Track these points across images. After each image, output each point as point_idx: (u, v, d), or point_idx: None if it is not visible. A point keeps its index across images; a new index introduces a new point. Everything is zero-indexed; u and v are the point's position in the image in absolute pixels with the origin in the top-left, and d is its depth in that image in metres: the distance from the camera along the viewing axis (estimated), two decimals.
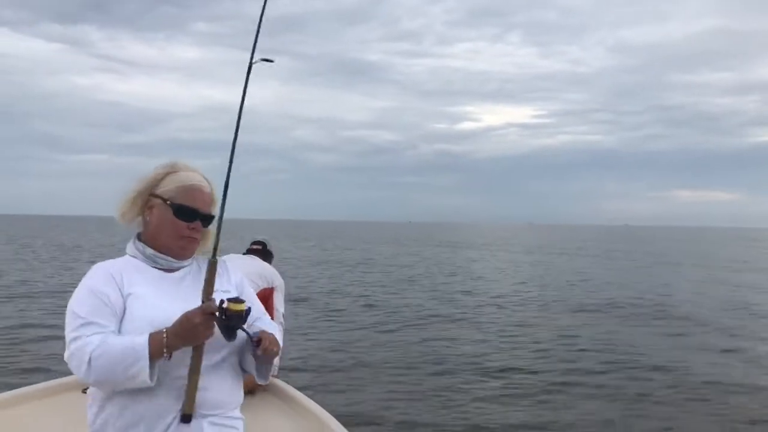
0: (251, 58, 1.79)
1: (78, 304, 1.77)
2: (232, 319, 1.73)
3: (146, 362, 1.66)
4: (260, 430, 3.11)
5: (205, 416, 1.81)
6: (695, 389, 7.46)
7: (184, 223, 1.90)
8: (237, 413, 1.95)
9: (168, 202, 1.89)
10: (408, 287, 18.36)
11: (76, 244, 39.78)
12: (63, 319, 1.79)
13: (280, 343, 1.97)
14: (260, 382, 1.99)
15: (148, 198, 1.92)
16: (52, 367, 7.50)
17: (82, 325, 1.72)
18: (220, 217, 1.95)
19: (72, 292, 1.84)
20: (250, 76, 1.98)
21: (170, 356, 1.72)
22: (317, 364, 8.27)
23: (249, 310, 1.77)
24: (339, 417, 3.16)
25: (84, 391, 3.78)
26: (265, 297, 4.35)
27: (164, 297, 1.84)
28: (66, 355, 1.73)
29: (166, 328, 1.70)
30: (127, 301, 1.80)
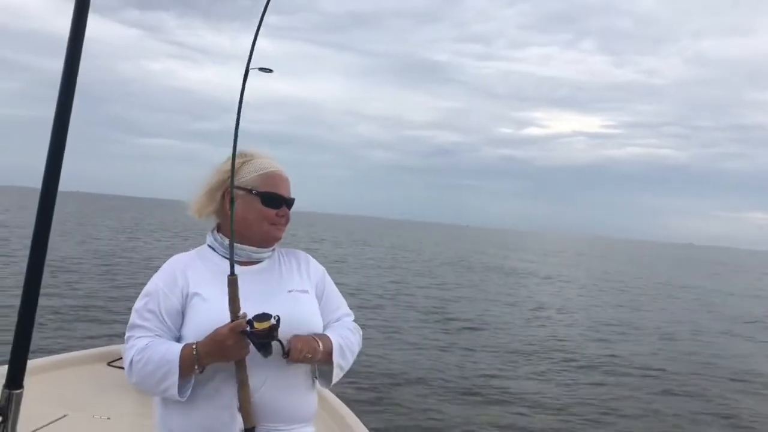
0: (248, 64, 1.71)
1: (139, 301, 1.77)
2: (260, 336, 1.64)
3: (176, 378, 1.63)
4: None
5: (270, 429, 1.73)
6: None
7: (272, 211, 1.85)
8: (308, 427, 1.85)
9: (253, 192, 1.84)
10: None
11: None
12: None
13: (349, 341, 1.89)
14: (323, 386, 1.92)
15: (226, 190, 1.84)
16: None
17: (134, 325, 1.74)
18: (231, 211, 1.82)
19: None
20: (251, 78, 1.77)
21: (202, 371, 1.67)
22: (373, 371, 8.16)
23: (277, 323, 1.65)
24: None
25: (109, 364, 3.98)
26: None
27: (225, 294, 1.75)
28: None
29: (197, 343, 1.65)
30: (192, 301, 1.75)
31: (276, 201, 1.86)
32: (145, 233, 33.78)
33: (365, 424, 3.20)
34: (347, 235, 58.19)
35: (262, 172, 1.87)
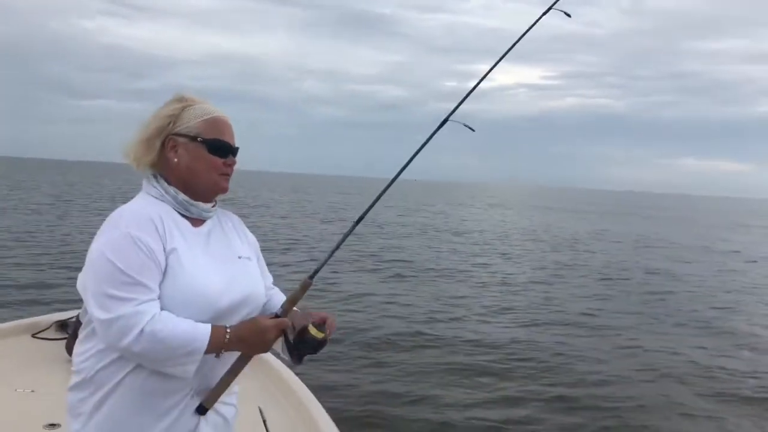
0: None
1: (121, 255, 1.51)
2: (308, 343, 1.62)
3: (199, 358, 1.53)
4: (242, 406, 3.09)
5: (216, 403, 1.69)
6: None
7: (220, 160, 1.71)
8: (234, 389, 1.82)
9: (198, 139, 1.68)
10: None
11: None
12: None
13: None
14: (295, 364, 1.88)
15: (167, 138, 1.68)
16: None
17: (131, 284, 1.49)
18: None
19: None
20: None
21: (219, 355, 1.59)
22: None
23: (325, 341, 1.64)
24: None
25: (34, 335, 3.84)
26: None
27: (203, 257, 1.64)
28: (104, 315, 1.48)
29: (230, 328, 1.57)
30: (169, 258, 1.57)
31: (223, 149, 1.72)
32: (79, 197, 32.50)
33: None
34: (291, 192, 57.53)
35: (206, 117, 1.71)
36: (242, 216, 1.94)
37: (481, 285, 12.20)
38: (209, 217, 1.74)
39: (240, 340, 1.58)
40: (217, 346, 1.55)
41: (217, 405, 1.67)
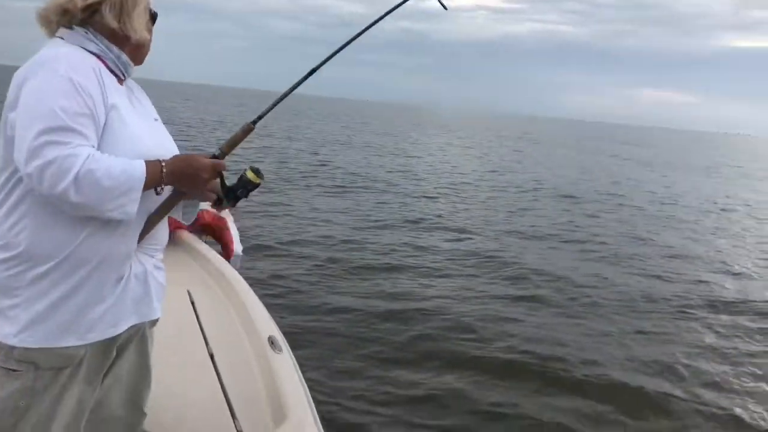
0: None
1: (60, 99, 1.40)
2: (244, 186, 1.70)
3: (138, 195, 1.47)
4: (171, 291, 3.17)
5: (152, 256, 1.72)
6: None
7: (149, 22, 1.70)
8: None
9: (149, 8, 1.68)
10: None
11: None
12: None
13: None
14: (185, 223, 1.94)
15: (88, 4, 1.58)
16: None
17: (68, 130, 1.39)
18: None
19: None
20: None
21: (159, 193, 1.57)
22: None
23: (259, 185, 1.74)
24: None
25: None
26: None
27: (135, 115, 1.62)
28: (37, 162, 1.36)
29: (165, 163, 1.53)
30: (110, 114, 1.51)
31: (154, 18, 1.74)
32: None
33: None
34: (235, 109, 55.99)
35: None
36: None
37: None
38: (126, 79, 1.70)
39: (175, 176, 1.55)
40: (154, 180, 1.50)
41: (148, 265, 1.69)
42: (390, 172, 16.56)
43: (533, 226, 10.38)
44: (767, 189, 21.28)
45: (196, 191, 1.65)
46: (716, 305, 6.58)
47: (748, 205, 15.78)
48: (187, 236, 3.86)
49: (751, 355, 5.24)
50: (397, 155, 22.32)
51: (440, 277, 6.84)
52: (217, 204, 1.77)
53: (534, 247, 8.85)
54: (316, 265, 6.77)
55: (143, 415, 1.83)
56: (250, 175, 1.71)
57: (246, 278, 3.30)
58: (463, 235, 9.19)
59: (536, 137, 51.12)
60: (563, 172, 20.93)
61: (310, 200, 11.10)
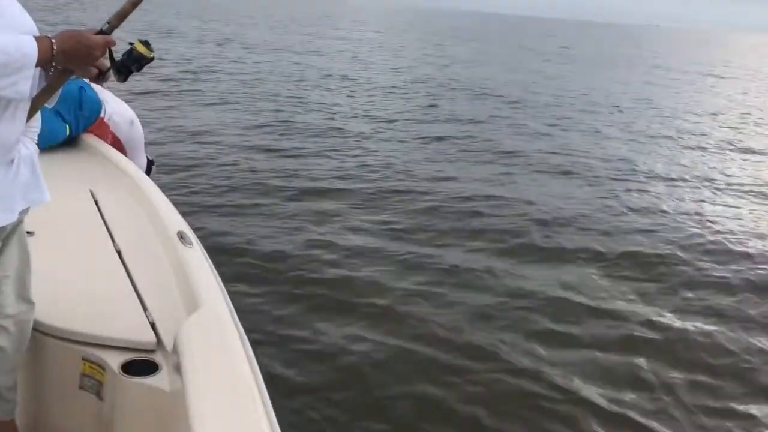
0: None
1: None
2: (136, 61, 1.67)
3: (31, 72, 1.43)
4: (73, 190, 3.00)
5: (33, 140, 1.70)
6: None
7: None
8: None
9: None
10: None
11: None
12: None
13: None
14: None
15: None
16: None
17: None
18: None
19: None
20: None
21: (49, 72, 1.54)
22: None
23: (152, 59, 1.71)
24: None
25: None
26: None
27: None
28: None
29: (55, 39, 1.48)
30: None
31: None
32: None
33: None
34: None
35: None
36: None
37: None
38: None
39: (67, 54, 1.50)
40: (45, 59, 1.46)
41: (32, 149, 1.67)
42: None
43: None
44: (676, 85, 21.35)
45: (85, 69, 1.61)
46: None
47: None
48: (89, 138, 3.69)
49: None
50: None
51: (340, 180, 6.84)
52: (99, 79, 1.74)
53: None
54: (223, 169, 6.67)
55: (33, 306, 1.79)
56: (141, 49, 1.67)
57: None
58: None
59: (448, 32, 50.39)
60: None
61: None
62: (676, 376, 3.51)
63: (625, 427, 3.07)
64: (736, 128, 12.42)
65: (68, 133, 3.54)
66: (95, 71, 1.68)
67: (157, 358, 1.77)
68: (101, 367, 1.77)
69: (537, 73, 20.18)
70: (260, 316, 3.66)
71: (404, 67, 19.13)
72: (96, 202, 2.76)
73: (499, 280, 4.45)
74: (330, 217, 5.43)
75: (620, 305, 4.25)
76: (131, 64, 1.70)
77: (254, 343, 1.74)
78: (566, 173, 7.71)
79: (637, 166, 8.29)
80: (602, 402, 3.20)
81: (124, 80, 1.73)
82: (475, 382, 3.28)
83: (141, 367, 1.73)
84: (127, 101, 4.11)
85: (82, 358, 1.80)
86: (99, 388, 1.79)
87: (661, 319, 4.09)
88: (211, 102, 10.36)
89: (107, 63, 1.70)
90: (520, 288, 4.35)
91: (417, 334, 3.65)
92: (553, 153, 8.69)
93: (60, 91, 1.68)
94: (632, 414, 3.15)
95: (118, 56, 1.73)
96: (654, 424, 3.08)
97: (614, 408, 3.17)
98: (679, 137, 10.73)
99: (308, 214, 5.45)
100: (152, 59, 1.73)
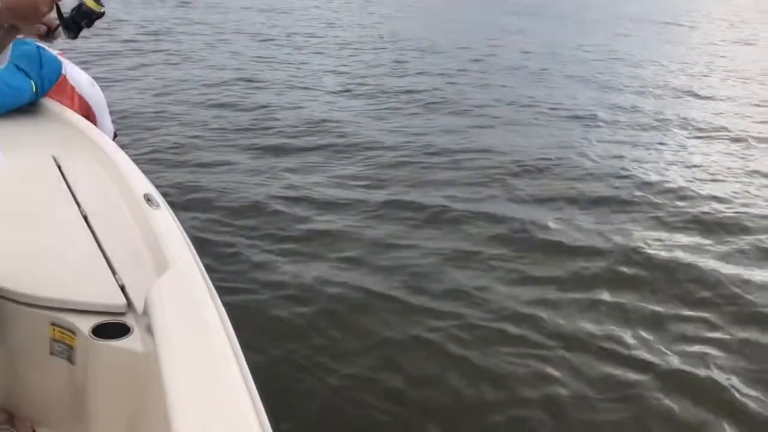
0: None
1: None
2: (86, 16, 1.61)
3: None
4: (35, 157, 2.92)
5: None
6: None
7: None
8: None
9: None
10: None
11: None
12: None
13: None
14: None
15: None
16: None
17: None
18: None
19: None
20: None
21: None
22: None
23: (102, 14, 1.65)
24: None
25: None
26: None
27: None
28: None
29: None
30: None
31: None
32: None
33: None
34: None
35: None
36: None
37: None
38: None
39: (13, 12, 1.44)
40: None
41: None
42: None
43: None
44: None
45: (32, 26, 1.56)
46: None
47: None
48: (49, 102, 3.59)
49: None
50: None
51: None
52: (48, 37, 1.70)
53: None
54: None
55: None
56: (90, 3, 1.61)
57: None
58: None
59: None
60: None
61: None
62: (658, 309, 3.64)
63: (612, 359, 3.17)
64: (698, 77, 12.55)
65: (34, 90, 3.44)
66: (44, 28, 1.63)
67: (129, 320, 1.75)
68: (71, 331, 1.74)
69: (508, 30, 20.03)
70: (231, 268, 3.65)
71: (373, 23, 18.81)
72: (59, 167, 2.69)
73: (475, 227, 4.49)
74: (299, 171, 5.42)
75: (599, 242, 4.38)
76: (81, 19, 1.64)
77: (224, 293, 1.73)
78: (533, 124, 7.75)
79: (603, 114, 8.35)
80: (589, 339, 3.29)
81: (75, 37, 1.68)
82: (455, 324, 3.33)
83: (112, 330, 1.71)
84: (87, 62, 4.01)
85: (51, 323, 1.77)
86: (70, 352, 1.76)
87: (640, 254, 4.23)
88: (175, 62, 10.08)
89: (56, 21, 1.64)
90: (497, 234, 4.40)
91: (394, 278, 3.69)
92: (522, 106, 8.69)
93: (10, 49, 1.60)
94: (619, 348, 3.25)
95: (66, 12, 1.67)
96: (644, 355, 3.20)
97: (604, 344, 3.27)
98: (642, 87, 10.82)
99: (277, 168, 5.42)
100: (103, 14, 1.67)
